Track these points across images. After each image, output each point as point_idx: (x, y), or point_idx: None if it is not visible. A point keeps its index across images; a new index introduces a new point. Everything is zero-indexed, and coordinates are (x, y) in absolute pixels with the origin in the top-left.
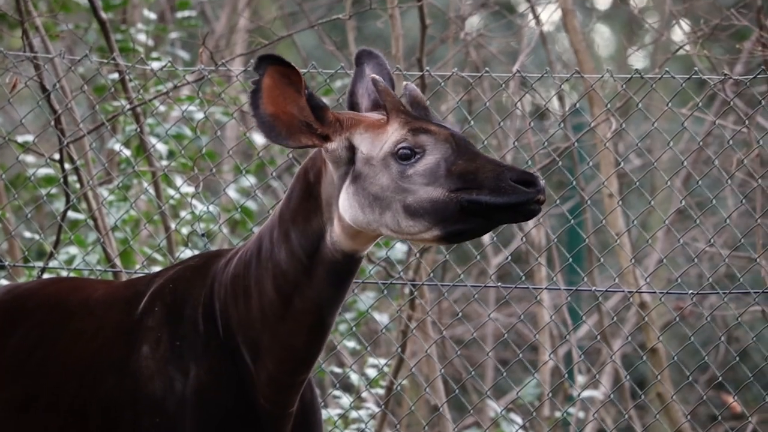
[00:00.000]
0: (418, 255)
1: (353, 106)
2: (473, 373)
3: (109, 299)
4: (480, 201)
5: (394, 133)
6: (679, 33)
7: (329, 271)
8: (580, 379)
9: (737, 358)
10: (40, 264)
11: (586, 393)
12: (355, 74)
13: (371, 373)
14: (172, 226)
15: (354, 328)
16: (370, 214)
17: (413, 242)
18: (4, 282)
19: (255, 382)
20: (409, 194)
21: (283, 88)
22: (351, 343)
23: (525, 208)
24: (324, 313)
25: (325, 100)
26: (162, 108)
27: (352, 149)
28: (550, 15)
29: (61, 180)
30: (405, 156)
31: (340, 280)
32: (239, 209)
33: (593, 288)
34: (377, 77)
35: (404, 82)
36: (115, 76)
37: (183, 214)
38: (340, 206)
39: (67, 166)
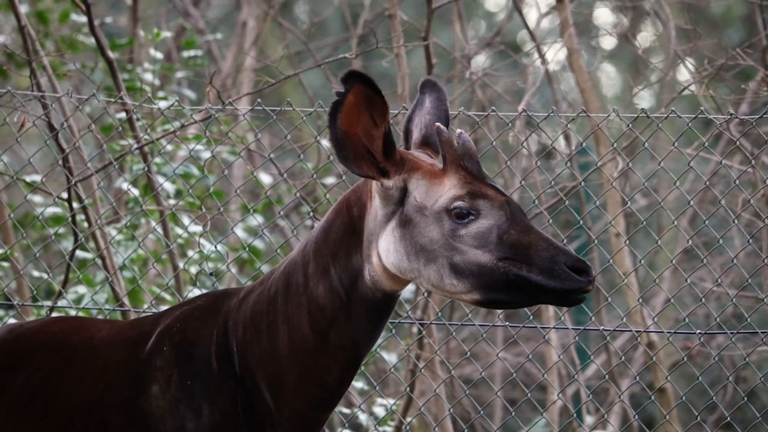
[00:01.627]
0: (425, 294)
1: (407, 131)
2: (482, 412)
3: (113, 339)
4: (530, 279)
5: (451, 189)
6: (685, 73)
7: (369, 309)
8: (589, 419)
9: (745, 399)
10: (49, 303)
11: None
12: (416, 101)
13: (380, 412)
14: (180, 265)
15: (362, 368)
16: (415, 262)
17: (448, 298)
18: (13, 321)
19: (275, 421)
20: (458, 253)
21: (362, 111)
22: (359, 383)
23: (573, 296)
24: (360, 349)
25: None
26: (169, 147)
27: (404, 191)
28: (555, 54)
29: (69, 219)
30: (460, 215)
31: (380, 317)
32: (247, 248)
33: (601, 327)
34: (442, 126)
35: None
36: (123, 115)
37: (191, 253)
38: (381, 247)
39: (75, 205)
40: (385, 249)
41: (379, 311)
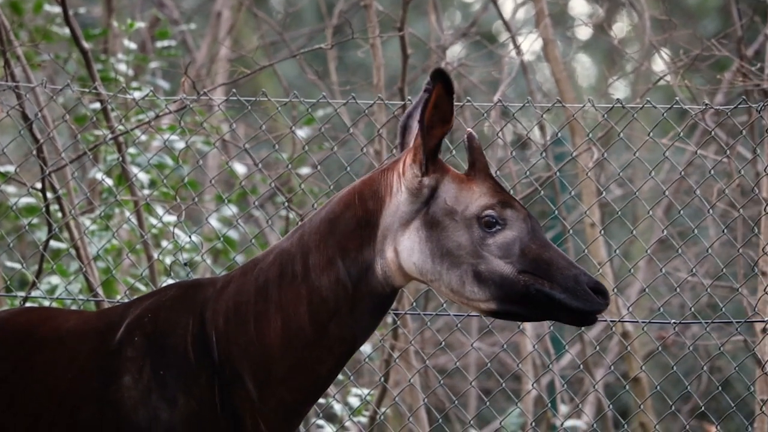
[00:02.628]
0: None
1: (406, 127)
2: (456, 402)
3: (81, 329)
4: (553, 296)
5: (482, 197)
6: (660, 63)
7: (375, 303)
8: (563, 408)
9: (720, 388)
10: (23, 293)
11: (569, 422)
12: (419, 98)
13: (354, 402)
14: (155, 255)
15: None
16: (438, 265)
17: (461, 305)
18: None
19: (256, 411)
20: (483, 262)
21: (432, 108)
22: None
23: (591, 316)
24: (358, 342)
25: (308, 129)
26: (143, 137)
27: (433, 191)
28: (530, 45)
29: (43, 209)
30: (489, 224)
31: (382, 311)
32: (221, 238)
33: None
34: (474, 134)
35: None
36: (97, 105)
37: (165, 243)
38: (402, 245)
39: (49, 195)
40: (408, 248)
41: (383, 305)
